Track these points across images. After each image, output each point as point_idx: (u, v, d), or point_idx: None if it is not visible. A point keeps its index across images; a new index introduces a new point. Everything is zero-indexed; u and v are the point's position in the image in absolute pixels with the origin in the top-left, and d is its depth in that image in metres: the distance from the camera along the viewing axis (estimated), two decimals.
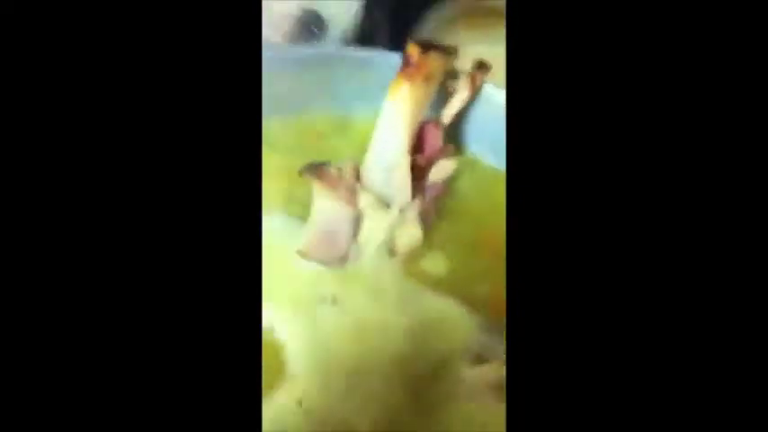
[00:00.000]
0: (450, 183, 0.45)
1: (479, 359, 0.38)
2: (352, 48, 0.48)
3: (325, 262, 0.40)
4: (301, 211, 0.42)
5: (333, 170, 0.40)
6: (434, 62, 0.40)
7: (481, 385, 0.37)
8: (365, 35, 0.55)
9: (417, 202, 0.42)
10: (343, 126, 0.47)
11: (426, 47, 0.39)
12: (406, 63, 0.39)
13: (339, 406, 0.36)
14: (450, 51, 0.41)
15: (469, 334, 0.39)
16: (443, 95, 0.44)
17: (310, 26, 0.55)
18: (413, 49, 0.39)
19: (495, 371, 0.37)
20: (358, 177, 0.42)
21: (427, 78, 0.40)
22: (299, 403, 0.36)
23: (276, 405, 0.36)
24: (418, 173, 0.43)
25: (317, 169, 0.40)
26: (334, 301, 0.40)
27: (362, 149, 0.42)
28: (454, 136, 0.47)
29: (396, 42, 0.54)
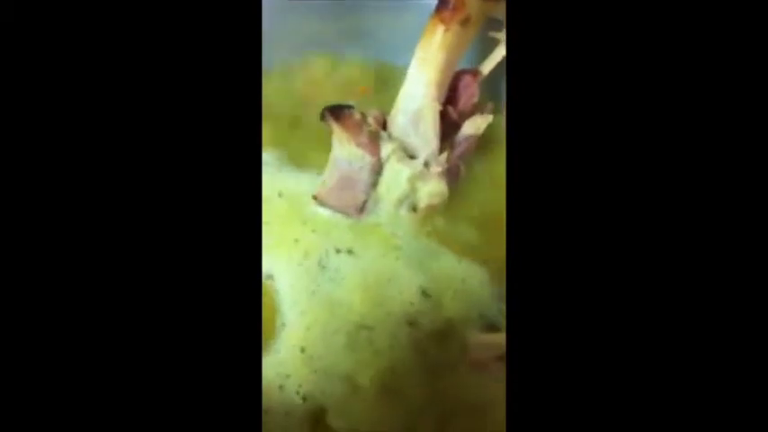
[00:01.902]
0: (483, 141, 0.42)
1: (490, 328, 0.36)
2: None
3: (340, 210, 0.39)
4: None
5: (356, 115, 0.38)
6: (473, 6, 0.37)
7: (487, 354, 0.34)
8: None
9: (445, 156, 0.39)
10: (376, 73, 0.45)
11: None
12: (442, 4, 0.37)
13: (342, 357, 0.35)
14: None
15: (484, 301, 0.37)
16: (487, 44, 0.41)
17: None
18: None
19: (503, 341, 0.34)
20: (384, 125, 0.40)
21: (464, 23, 0.37)
22: (302, 350, 0.35)
23: (277, 351, 0.35)
24: (449, 126, 0.40)
25: (338, 113, 0.38)
26: (350, 251, 0.38)
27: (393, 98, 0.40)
28: (495, 91, 0.43)
29: None
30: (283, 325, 0.36)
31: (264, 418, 0.34)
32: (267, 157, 0.41)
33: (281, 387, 0.35)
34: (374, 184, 0.39)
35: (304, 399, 0.34)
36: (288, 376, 0.35)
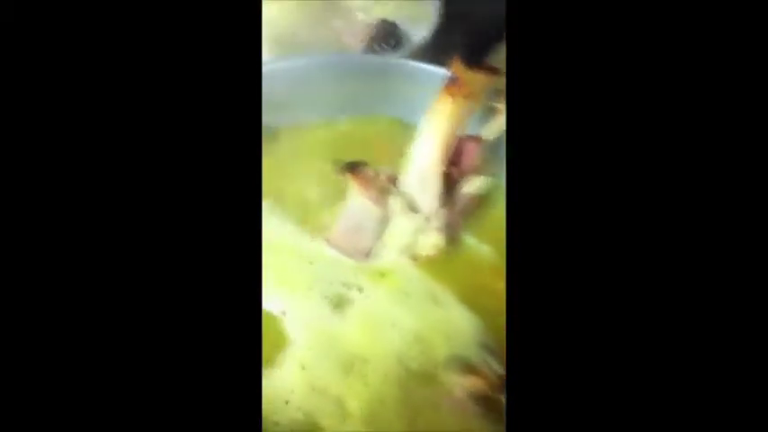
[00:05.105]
0: (482, 198, 0.46)
1: (471, 370, 0.39)
2: (412, 60, 0.51)
3: (348, 253, 0.44)
4: None
5: (369, 171, 0.43)
6: (477, 80, 0.41)
7: (464, 395, 0.38)
8: (438, 53, 0.58)
9: (445, 211, 0.44)
10: (396, 131, 0.51)
11: (470, 65, 0.41)
12: (450, 80, 0.41)
13: (336, 382, 0.39)
14: (494, 71, 0.42)
15: (469, 345, 0.41)
16: (491, 112, 0.46)
17: (388, 37, 0.59)
18: (457, 67, 0.41)
19: (482, 384, 0.37)
20: (394, 181, 0.44)
21: (469, 96, 0.42)
22: (302, 367, 0.40)
23: (282, 367, 0.40)
24: (451, 185, 0.45)
25: (354, 168, 0.43)
26: (360, 289, 0.43)
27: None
28: (497, 154, 0.48)
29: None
30: (289, 343, 0.41)
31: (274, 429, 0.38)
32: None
33: (287, 402, 0.39)
34: (380, 233, 0.44)
35: (305, 415, 0.38)
36: (292, 391, 0.39)
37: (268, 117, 0.45)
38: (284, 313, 0.42)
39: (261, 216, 0.45)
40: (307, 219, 0.45)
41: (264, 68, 0.48)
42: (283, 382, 0.40)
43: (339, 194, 0.45)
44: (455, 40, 0.60)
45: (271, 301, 0.42)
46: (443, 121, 0.42)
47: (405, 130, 0.49)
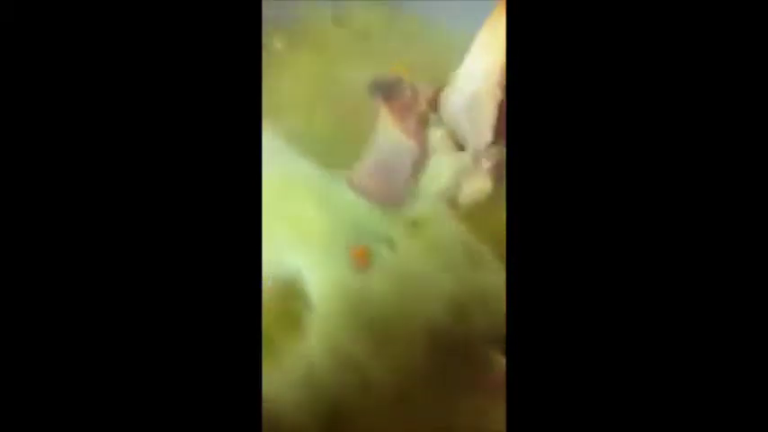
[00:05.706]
0: None
1: None
2: None
3: (374, 198, 0.37)
4: None
5: (407, 91, 0.35)
6: None
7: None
8: None
9: (496, 150, 0.36)
10: (442, 41, 0.42)
11: None
12: None
13: (358, 348, 0.34)
14: None
15: None
16: None
17: None
18: None
19: None
20: (435, 107, 0.36)
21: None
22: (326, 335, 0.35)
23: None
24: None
25: (388, 87, 0.35)
26: (388, 241, 0.36)
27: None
28: None
29: None
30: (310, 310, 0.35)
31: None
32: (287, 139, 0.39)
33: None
34: (416, 174, 0.36)
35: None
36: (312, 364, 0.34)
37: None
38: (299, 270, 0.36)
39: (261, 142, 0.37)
40: (324, 152, 0.38)
41: None
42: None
43: (366, 122, 0.37)
44: None
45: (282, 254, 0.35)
46: (504, 36, 0.33)
47: (453, 39, 0.40)
